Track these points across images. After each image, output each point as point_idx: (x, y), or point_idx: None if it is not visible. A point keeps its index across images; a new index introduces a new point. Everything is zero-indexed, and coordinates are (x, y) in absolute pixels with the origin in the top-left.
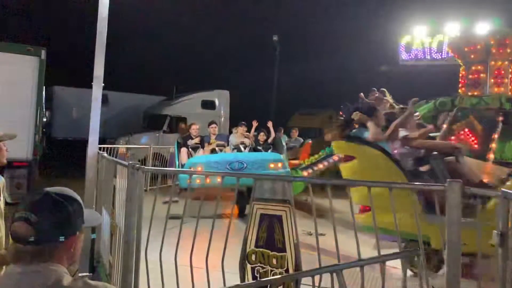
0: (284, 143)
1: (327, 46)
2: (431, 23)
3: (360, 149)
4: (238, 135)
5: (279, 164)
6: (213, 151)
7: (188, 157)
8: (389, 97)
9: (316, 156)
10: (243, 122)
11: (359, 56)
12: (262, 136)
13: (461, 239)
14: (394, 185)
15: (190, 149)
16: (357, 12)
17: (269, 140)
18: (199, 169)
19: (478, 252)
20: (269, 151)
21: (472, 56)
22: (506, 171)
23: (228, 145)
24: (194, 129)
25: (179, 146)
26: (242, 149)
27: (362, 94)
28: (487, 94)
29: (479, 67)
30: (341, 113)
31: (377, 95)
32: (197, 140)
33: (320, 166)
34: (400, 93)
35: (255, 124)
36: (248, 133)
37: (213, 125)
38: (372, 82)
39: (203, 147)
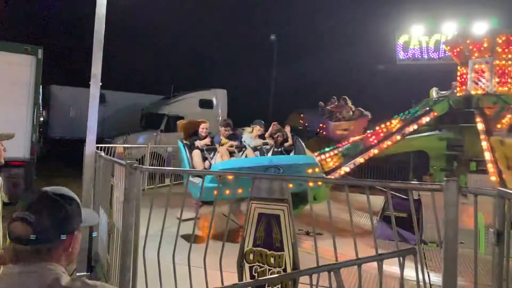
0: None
1: (324, 45)
2: (429, 22)
3: None
4: (254, 135)
5: (316, 169)
6: (230, 153)
7: (204, 161)
8: (350, 103)
9: (336, 158)
10: (261, 121)
11: (357, 55)
12: (279, 138)
13: (458, 237)
14: (392, 184)
15: (205, 152)
16: (354, 11)
17: (287, 144)
18: (231, 177)
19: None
20: (292, 153)
21: (476, 54)
22: None
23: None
24: (204, 128)
25: (188, 148)
26: (265, 152)
27: (321, 102)
28: (504, 94)
29: (482, 65)
30: (302, 121)
31: (337, 103)
32: (207, 140)
33: (347, 169)
34: (397, 92)
35: (275, 126)
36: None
37: (228, 128)
38: (370, 81)
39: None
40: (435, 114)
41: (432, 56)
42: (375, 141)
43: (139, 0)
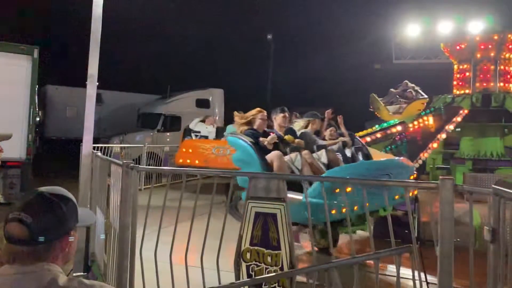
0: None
1: (321, 45)
2: (425, 22)
3: None
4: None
5: (415, 175)
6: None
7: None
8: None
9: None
10: (317, 114)
11: (354, 55)
12: (332, 133)
13: (453, 235)
14: (388, 183)
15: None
16: (351, 10)
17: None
18: (349, 189)
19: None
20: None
21: (482, 52)
22: None
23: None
24: (263, 120)
25: (257, 149)
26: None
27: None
28: None
29: (488, 64)
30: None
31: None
32: (275, 137)
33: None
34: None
35: (329, 115)
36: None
37: (285, 114)
38: (366, 81)
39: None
40: (466, 112)
41: (428, 56)
42: (420, 138)
43: (135, 0)
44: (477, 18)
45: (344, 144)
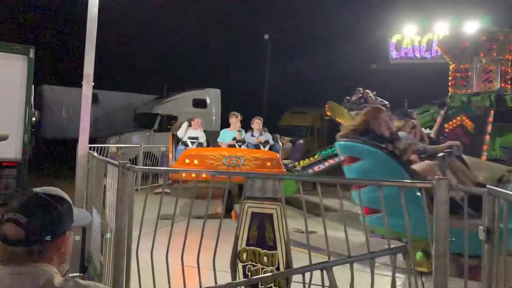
0: None
1: (318, 45)
2: (421, 22)
3: None
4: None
5: None
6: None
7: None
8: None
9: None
10: (409, 113)
11: (350, 55)
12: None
13: (448, 235)
14: (384, 183)
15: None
16: (347, 10)
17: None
18: None
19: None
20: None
21: (485, 52)
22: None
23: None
24: (385, 120)
25: (393, 156)
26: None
27: None
28: None
29: (490, 64)
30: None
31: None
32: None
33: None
34: (391, 91)
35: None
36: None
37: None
38: (364, 80)
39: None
40: (492, 111)
41: (424, 55)
42: (468, 141)
43: (132, 0)
44: (473, 18)
45: (455, 149)
